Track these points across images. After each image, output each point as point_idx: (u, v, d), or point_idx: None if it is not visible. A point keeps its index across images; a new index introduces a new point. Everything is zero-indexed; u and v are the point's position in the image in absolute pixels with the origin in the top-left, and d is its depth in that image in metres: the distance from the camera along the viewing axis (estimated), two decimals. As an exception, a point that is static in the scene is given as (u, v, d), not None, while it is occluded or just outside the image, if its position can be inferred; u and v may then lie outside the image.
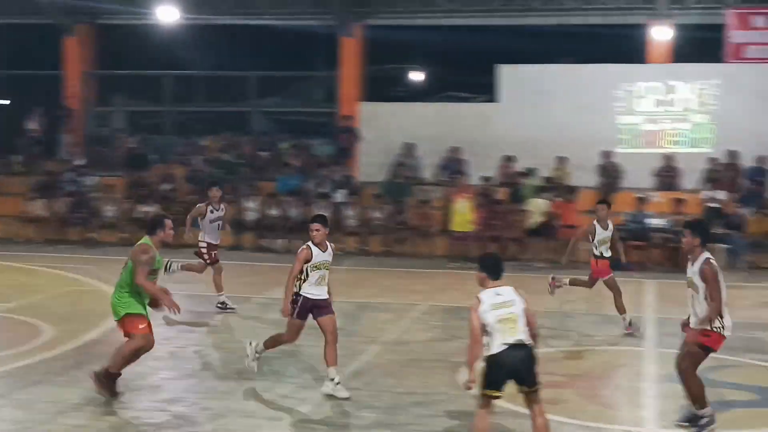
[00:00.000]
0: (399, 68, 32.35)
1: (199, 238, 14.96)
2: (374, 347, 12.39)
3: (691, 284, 8.94)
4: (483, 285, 8.05)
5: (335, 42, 25.56)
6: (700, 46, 24.29)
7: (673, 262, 20.12)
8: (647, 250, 20.63)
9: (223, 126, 27.44)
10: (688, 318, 9.06)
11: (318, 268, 9.89)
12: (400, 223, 22.13)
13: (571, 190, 21.31)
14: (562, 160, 22.97)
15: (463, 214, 20.49)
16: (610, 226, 13.61)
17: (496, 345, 7.75)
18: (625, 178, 23.07)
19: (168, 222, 9.88)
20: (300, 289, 9.85)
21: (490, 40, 24.95)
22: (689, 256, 9.08)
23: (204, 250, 14.90)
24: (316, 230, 9.91)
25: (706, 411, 8.99)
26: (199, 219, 15.00)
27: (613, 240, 13.70)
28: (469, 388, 7.90)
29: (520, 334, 7.76)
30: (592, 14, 24.31)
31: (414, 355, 12.04)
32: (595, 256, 13.56)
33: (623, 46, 25.21)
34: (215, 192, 15.01)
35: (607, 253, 13.59)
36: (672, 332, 13.30)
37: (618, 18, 24.22)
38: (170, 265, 14.41)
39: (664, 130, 23.49)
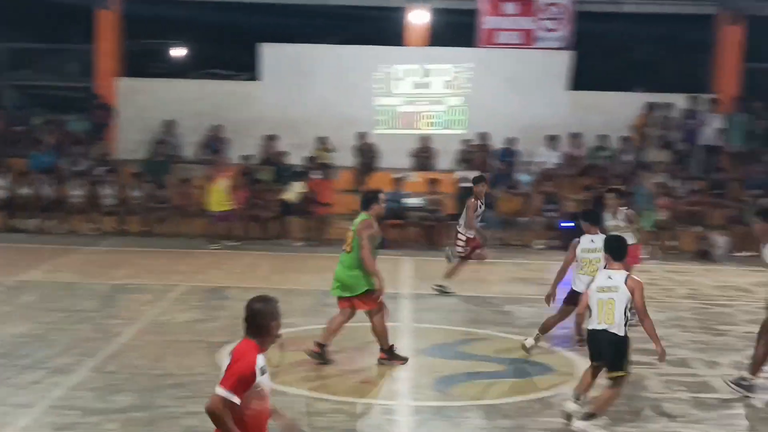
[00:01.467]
0: (159, 43, 31.65)
1: (461, 232, 15.07)
2: (131, 329, 12.15)
3: (765, 266, 9.79)
4: (606, 265, 8.76)
5: (91, 14, 24.67)
6: (456, 30, 25.06)
7: (429, 239, 20.85)
8: (404, 229, 21.21)
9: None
10: None
11: None
12: (159, 202, 21.72)
13: (329, 168, 21.62)
14: (322, 140, 23.24)
15: (222, 194, 20.33)
16: (621, 216, 12.78)
17: (593, 324, 8.54)
18: (383, 158, 23.61)
19: (382, 196, 10.73)
20: None
21: (253, 18, 24.84)
22: (762, 241, 9.94)
23: (462, 244, 15.06)
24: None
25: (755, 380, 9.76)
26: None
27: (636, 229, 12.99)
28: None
29: (612, 321, 8.36)
30: (354, -6, 24.55)
31: (172, 336, 11.91)
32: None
33: (384, 29, 25.71)
34: (481, 188, 15.22)
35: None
36: (426, 308, 13.85)
37: (377, 0, 24.65)
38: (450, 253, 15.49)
39: (421, 112, 24.16)
